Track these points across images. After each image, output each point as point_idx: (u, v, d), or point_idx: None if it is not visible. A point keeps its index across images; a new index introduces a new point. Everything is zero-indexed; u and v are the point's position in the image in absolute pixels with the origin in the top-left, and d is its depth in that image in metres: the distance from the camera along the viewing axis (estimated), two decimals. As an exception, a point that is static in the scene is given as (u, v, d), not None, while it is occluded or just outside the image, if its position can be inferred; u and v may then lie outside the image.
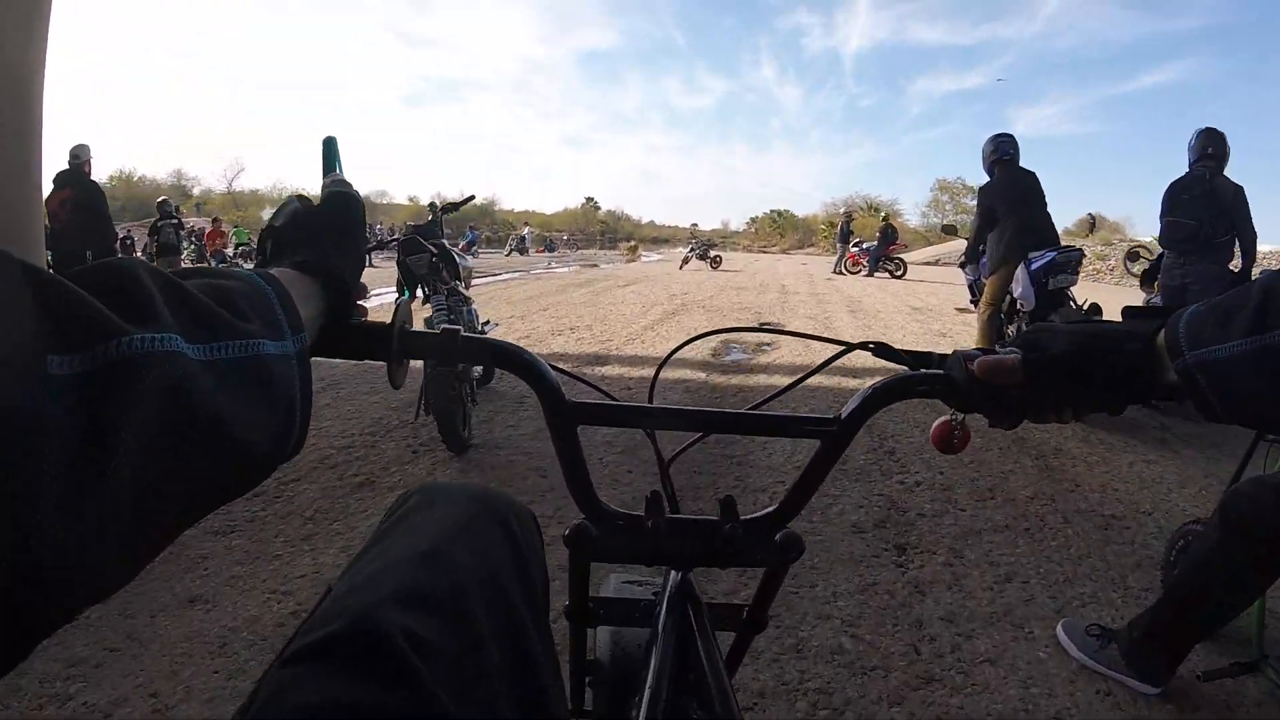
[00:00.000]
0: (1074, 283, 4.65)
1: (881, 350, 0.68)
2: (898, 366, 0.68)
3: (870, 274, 18.65)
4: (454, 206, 4.78)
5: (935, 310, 10.28)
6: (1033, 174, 5.15)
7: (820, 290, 13.52)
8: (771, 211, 66.16)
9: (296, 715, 0.45)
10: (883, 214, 20.39)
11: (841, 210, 28.02)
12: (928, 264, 24.56)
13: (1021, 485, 3.25)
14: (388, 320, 0.59)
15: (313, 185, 0.69)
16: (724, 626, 0.80)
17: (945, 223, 9.12)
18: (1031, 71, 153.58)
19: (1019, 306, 4.90)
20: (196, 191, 53.77)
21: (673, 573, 0.76)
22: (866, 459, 3.54)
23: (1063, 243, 4.99)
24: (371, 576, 0.57)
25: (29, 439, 0.24)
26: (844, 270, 19.52)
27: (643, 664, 0.67)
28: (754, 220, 68.54)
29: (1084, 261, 4.67)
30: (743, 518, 0.65)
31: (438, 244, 4.02)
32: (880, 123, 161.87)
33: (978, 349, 0.62)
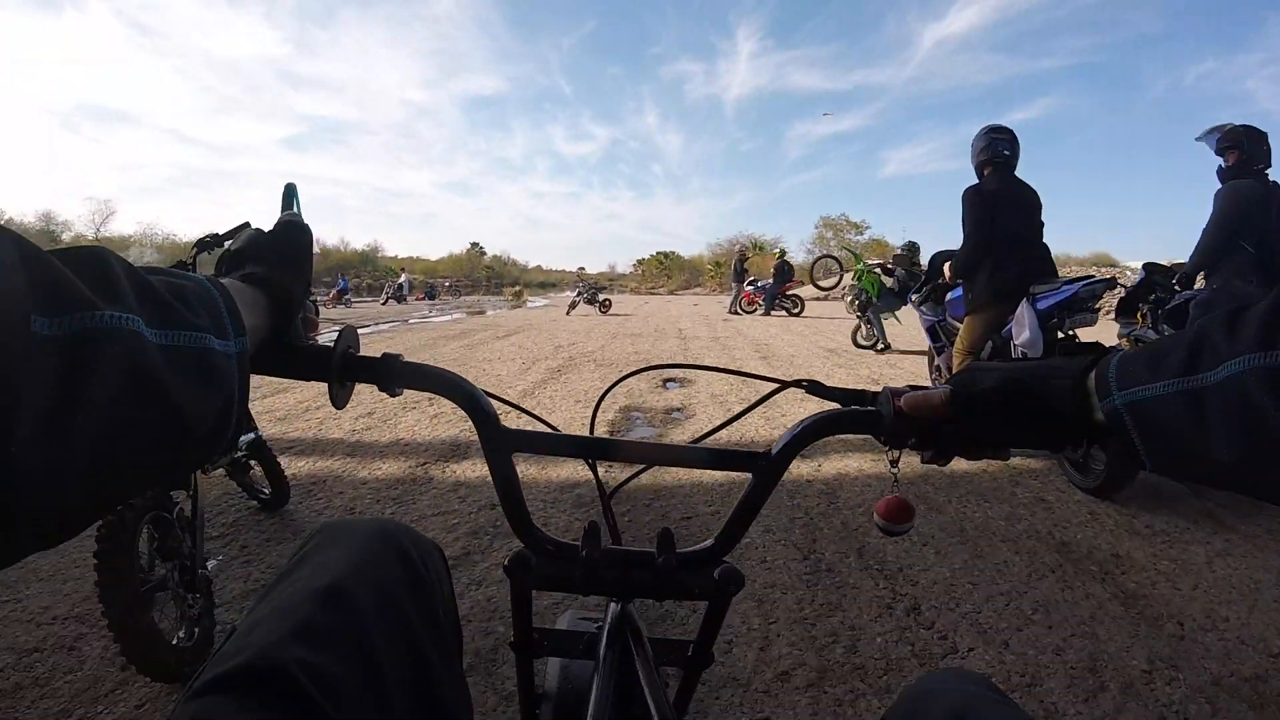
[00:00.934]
0: (1093, 323, 3.57)
1: (814, 388, 0.70)
2: (829, 404, 0.69)
3: (767, 313, 18.00)
4: (215, 241, 3.35)
5: (852, 352, 9.42)
6: (1033, 189, 4.08)
7: (721, 333, 12.46)
8: (658, 253, 66.68)
9: None
10: (777, 250, 19.77)
11: (737, 248, 27.55)
12: (817, 299, 24.32)
13: (1118, 639, 2.09)
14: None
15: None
16: (670, 662, 0.80)
17: (897, 251, 10.85)
18: (905, 115, 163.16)
19: (1020, 354, 3.74)
20: (66, 237, 50.74)
21: (613, 604, 0.77)
22: (897, 638, 2.24)
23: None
24: (272, 613, 0.57)
25: (10, 382, 0.28)
26: (739, 310, 18.77)
27: (587, 696, 0.65)
28: (641, 262, 68.84)
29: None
30: (679, 550, 0.67)
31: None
32: (760, 166, 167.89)
33: (908, 386, 0.64)
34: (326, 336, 0.63)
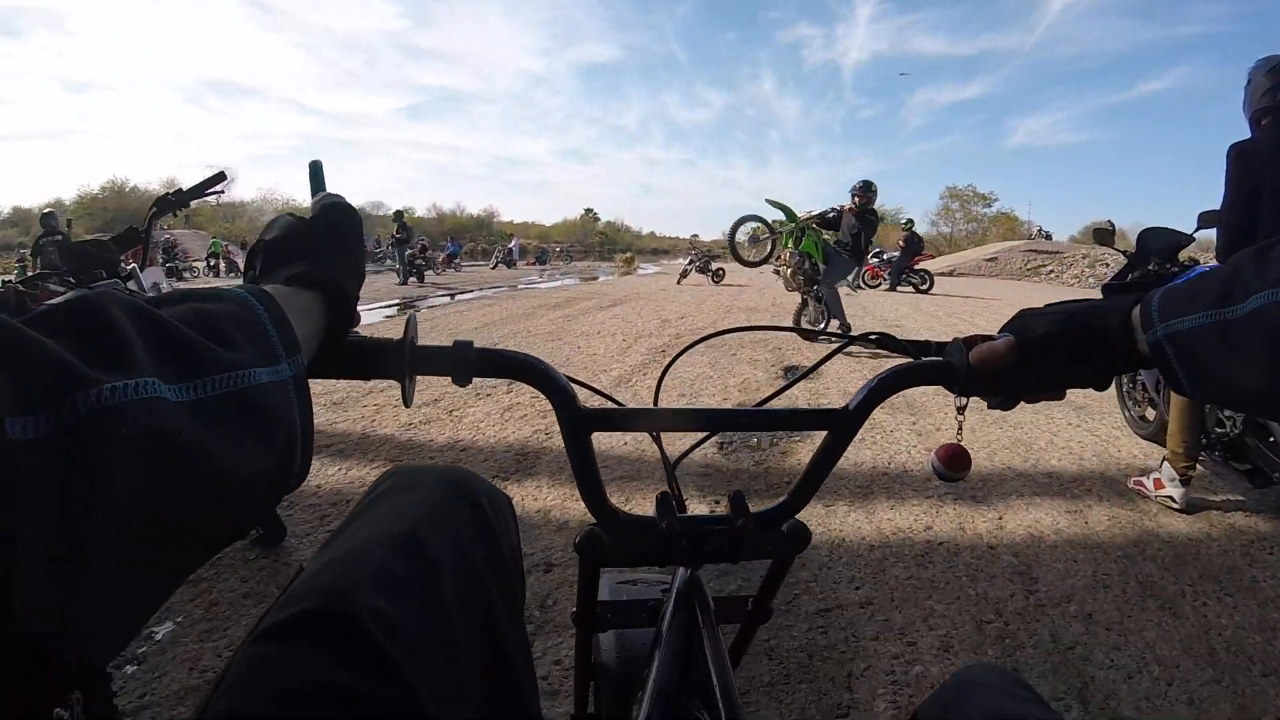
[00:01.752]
0: None
1: (885, 341, 0.72)
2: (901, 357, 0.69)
3: (892, 288, 16.55)
4: (179, 198, 2.69)
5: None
6: None
7: (847, 311, 11.23)
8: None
9: (266, 696, 0.44)
10: (906, 220, 18.15)
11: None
12: (942, 274, 22.49)
13: None
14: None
15: (306, 199, 0.64)
16: (729, 619, 0.81)
17: (1097, 225, 5.99)
18: (1032, 82, 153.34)
19: None
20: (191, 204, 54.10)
21: (681, 571, 0.76)
22: None
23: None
24: (344, 557, 0.55)
25: None
26: (863, 284, 17.31)
27: (646, 664, 0.67)
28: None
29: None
30: (753, 511, 0.67)
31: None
32: (881, 134, 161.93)
33: (975, 335, 0.65)
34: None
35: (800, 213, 7.55)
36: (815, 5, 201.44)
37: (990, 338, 0.64)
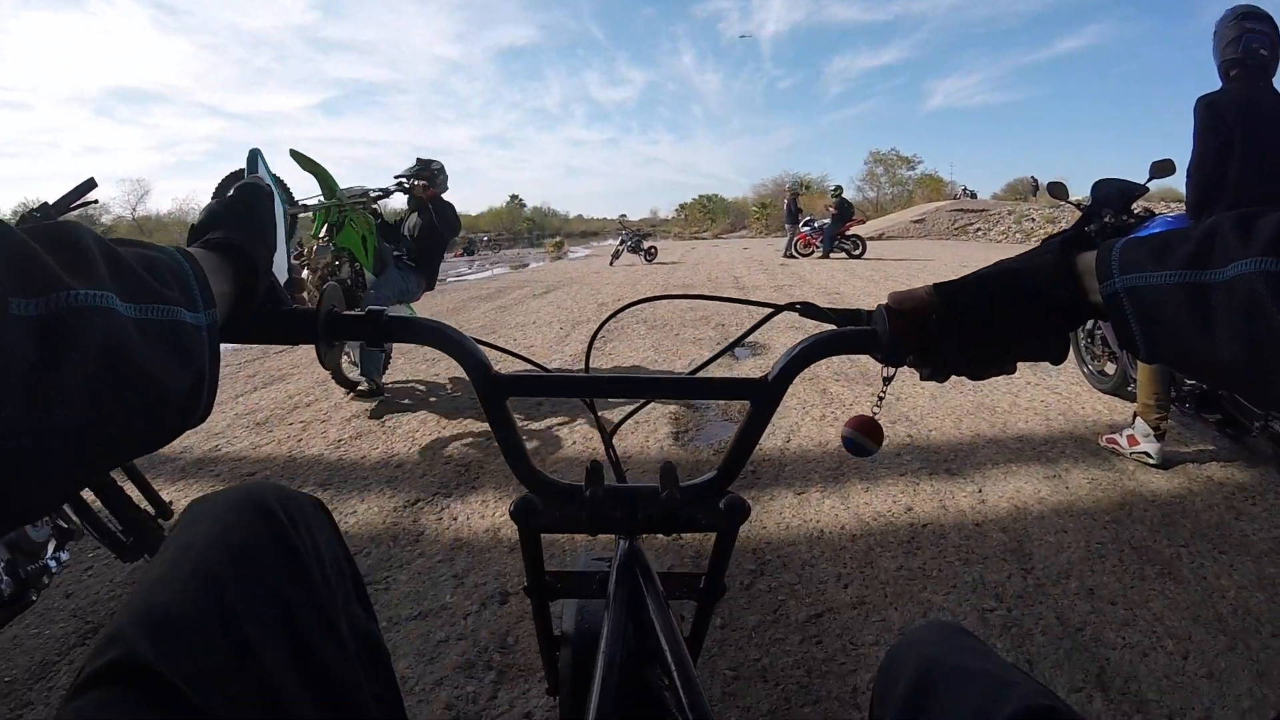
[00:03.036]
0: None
1: (809, 310, 0.70)
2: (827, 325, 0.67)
3: (826, 254, 16.56)
4: (45, 212, 2.33)
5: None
6: None
7: (783, 280, 11.16)
8: (701, 197, 65.18)
9: None
10: (835, 187, 18.16)
11: (787, 187, 26.03)
12: (872, 239, 22.72)
13: None
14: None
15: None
16: (683, 595, 0.81)
17: (1052, 181, 5.05)
18: (948, 44, 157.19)
19: None
20: (105, 219, 51.92)
21: (621, 542, 0.77)
22: None
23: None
24: (137, 605, 0.54)
25: None
26: (795, 252, 17.35)
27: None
28: (683, 207, 67.48)
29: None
30: (682, 484, 0.67)
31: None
32: (801, 103, 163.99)
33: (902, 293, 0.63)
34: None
35: (343, 186, 4.24)
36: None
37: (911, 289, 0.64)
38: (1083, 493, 2.62)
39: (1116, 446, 2.98)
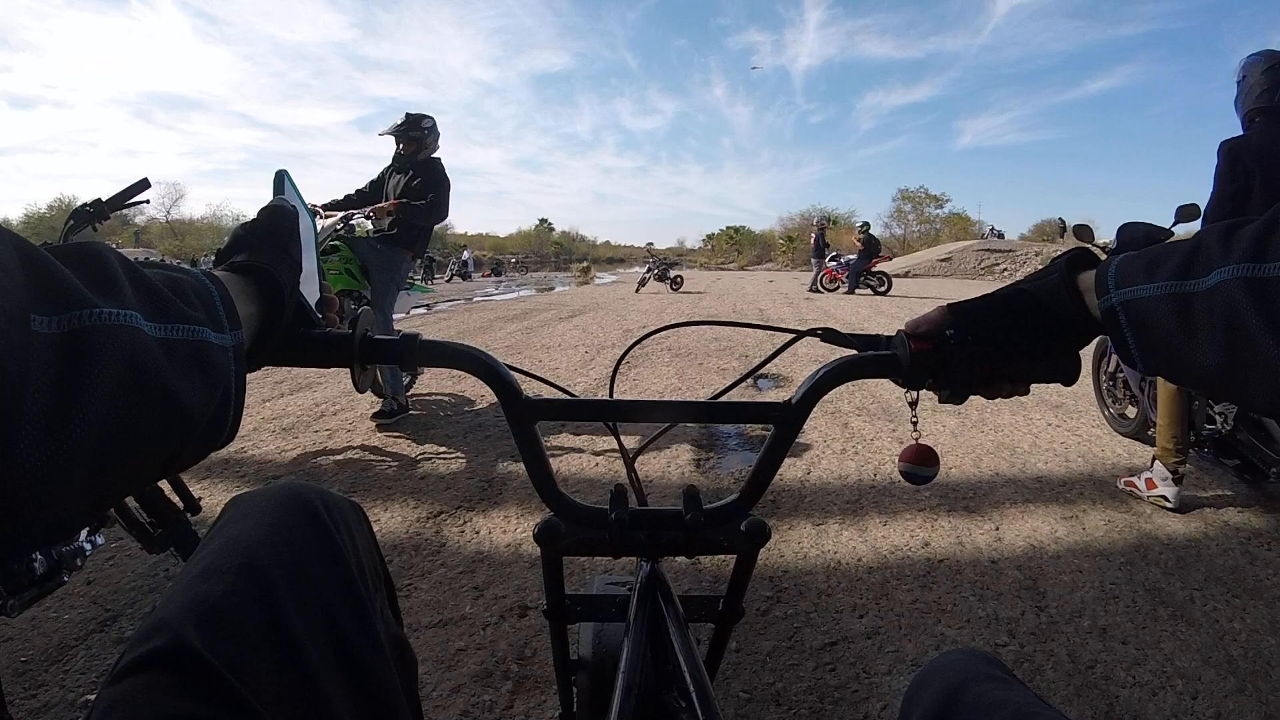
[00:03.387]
0: None
1: (830, 335, 0.71)
2: (848, 351, 0.69)
3: (851, 290, 16.56)
4: (99, 210, 2.42)
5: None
6: None
7: (807, 315, 11.20)
8: (728, 228, 65.29)
9: None
10: (863, 224, 18.20)
11: (815, 221, 26.10)
12: (898, 276, 22.68)
13: None
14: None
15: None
16: (701, 618, 0.81)
17: (1078, 224, 4.09)
18: (979, 83, 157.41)
19: None
20: (140, 220, 53.08)
21: (643, 564, 0.78)
22: None
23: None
24: (184, 594, 0.56)
25: (13, 381, 0.28)
26: (820, 287, 17.35)
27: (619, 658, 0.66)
28: (710, 237, 67.67)
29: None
30: (705, 507, 0.67)
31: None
32: (831, 138, 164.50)
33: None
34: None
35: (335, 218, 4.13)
36: (764, 11, 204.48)
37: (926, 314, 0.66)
38: (1099, 534, 2.62)
39: (1135, 489, 2.97)
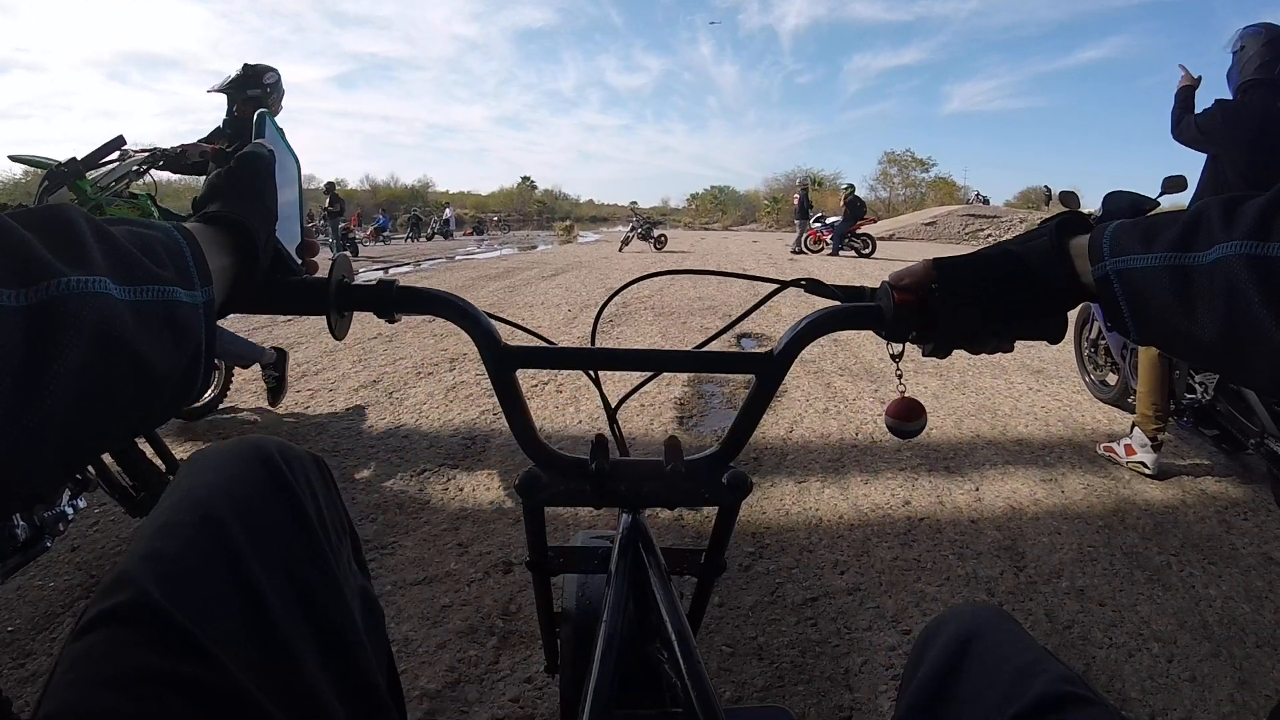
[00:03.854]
0: None
1: (814, 286, 0.70)
2: (831, 301, 0.69)
3: (835, 252, 16.55)
4: (76, 166, 2.37)
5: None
6: None
7: (792, 275, 11.12)
8: (712, 188, 65.00)
9: (93, 686, 0.46)
10: (848, 185, 18.15)
11: (799, 183, 25.96)
12: (883, 238, 22.66)
13: None
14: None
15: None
16: (683, 571, 0.82)
17: (1063, 190, 4.05)
18: (968, 48, 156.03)
19: None
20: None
21: (624, 516, 0.77)
22: None
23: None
24: (144, 549, 0.55)
25: None
26: (805, 248, 17.30)
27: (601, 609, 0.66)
28: (694, 197, 67.24)
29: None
30: (686, 458, 0.66)
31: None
32: (818, 99, 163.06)
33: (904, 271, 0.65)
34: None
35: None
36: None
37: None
38: (1078, 497, 2.65)
39: (1114, 455, 3.01)
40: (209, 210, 0.56)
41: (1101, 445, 3.12)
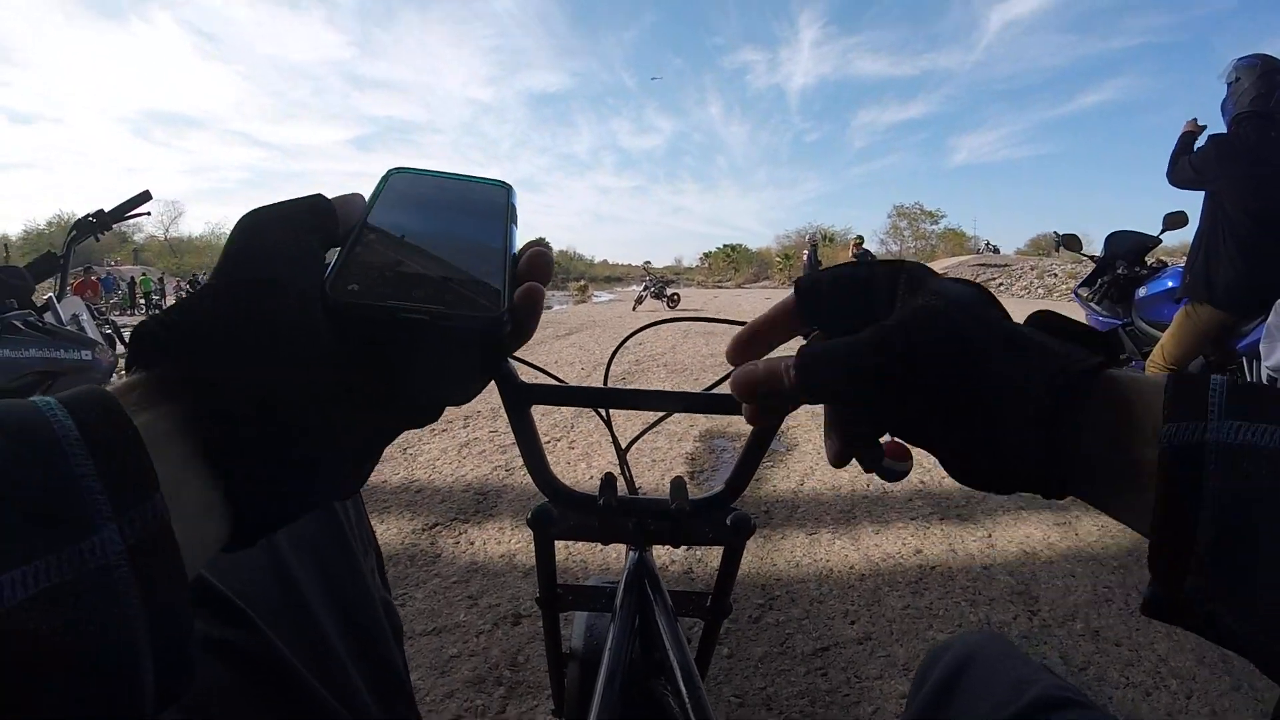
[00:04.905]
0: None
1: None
2: None
3: (847, 307, 16.57)
4: (102, 220, 2.47)
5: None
6: None
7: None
8: (724, 247, 65.58)
9: None
10: (857, 238, 18.36)
11: (807, 239, 26.29)
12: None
13: None
14: None
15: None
16: (689, 613, 0.81)
17: (1066, 234, 4.37)
18: (973, 100, 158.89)
19: (1265, 378, 2.55)
20: (138, 237, 53.26)
21: (631, 553, 0.81)
22: None
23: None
24: None
25: None
26: (817, 304, 17.38)
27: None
28: (707, 256, 67.94)
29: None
30: (691, 498, 0.70)
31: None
32: (826, 156, 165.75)
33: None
34: None
35: None
36: (759, 30, 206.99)
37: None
38: (1092, 539, 2.63)
39: (1129, 499, 2.99)
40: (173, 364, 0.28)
41: None
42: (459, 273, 0.34)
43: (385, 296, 0.31)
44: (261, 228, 0.33)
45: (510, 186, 0.42)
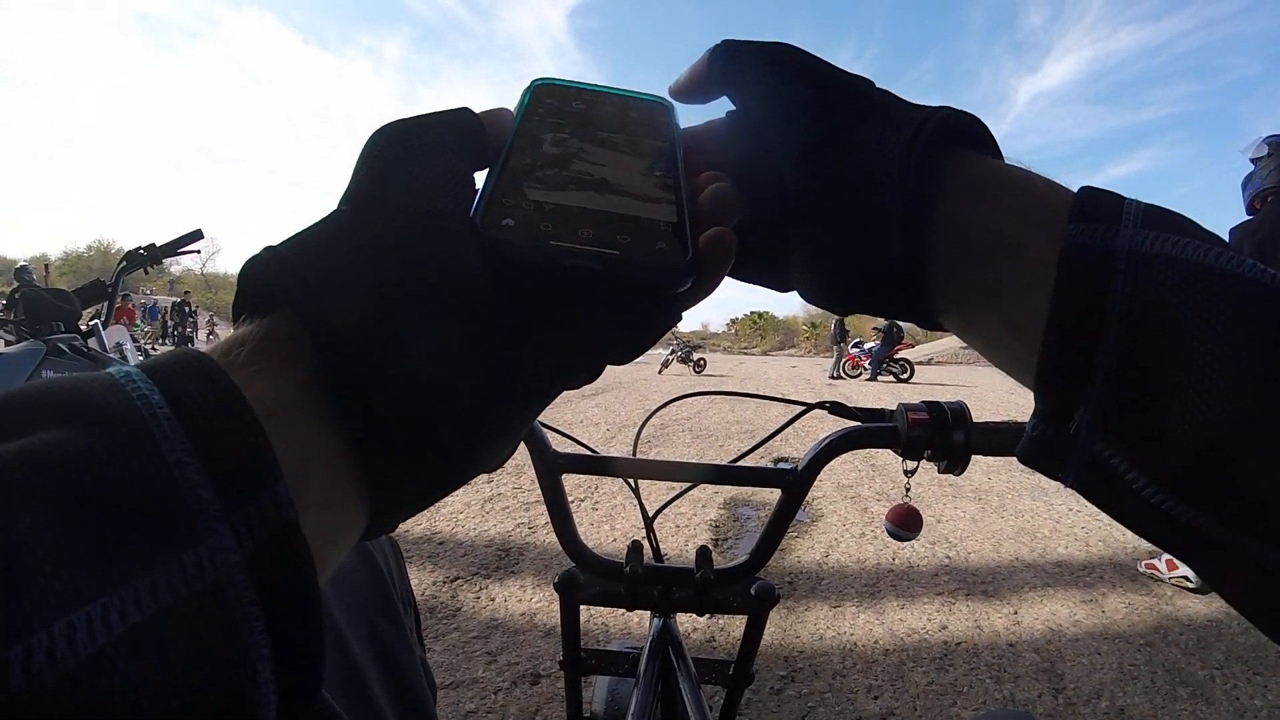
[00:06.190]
0: None
1: (837, 408, 0.76)
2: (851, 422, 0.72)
3: (873, 377, 16.53)
4: (153, 254, 2.58)
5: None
6: None
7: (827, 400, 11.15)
8: (751, 314, 65.61)
9: None
10: (883, 310, 18.37)
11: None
12: (921, 363, 22.64)
13: None
14: None
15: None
16: (712, 680, 0.83)
17: None
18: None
19: None
20: (175, 269, 54.63)
21: (655, 620, 0.84)
22: None
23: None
24: None
25: None
26: (842, 373, 17.36)
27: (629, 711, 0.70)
28: (734, 322, 67.79)
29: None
30: (716, 567, 0.73)
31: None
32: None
33: (922, 402, 0.69)
34: None
35: None
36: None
37: (935, 405, 0.68)
38: (1119, 616, 2.58)
39: (1156, 571, 2.94)
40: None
41: (1143, 563, 3.05)
42: (631, 208, 0.28)
43: (547, 236, 0.26)
44: (410, 143, 0.26)
45: (673, 104, 0.36)
